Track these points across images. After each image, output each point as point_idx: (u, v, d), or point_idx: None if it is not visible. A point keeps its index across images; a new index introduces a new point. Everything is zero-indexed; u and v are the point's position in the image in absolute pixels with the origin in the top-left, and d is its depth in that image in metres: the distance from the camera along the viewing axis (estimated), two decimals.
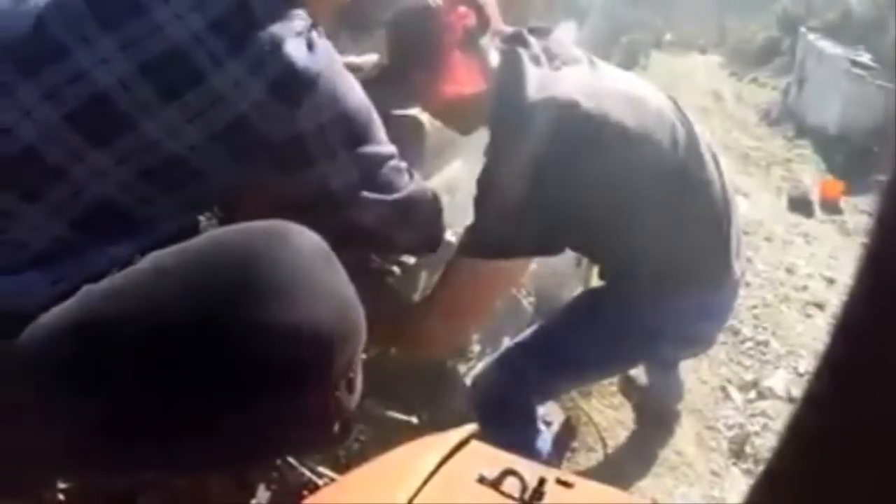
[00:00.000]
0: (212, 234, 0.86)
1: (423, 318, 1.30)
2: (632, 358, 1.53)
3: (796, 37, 4.92)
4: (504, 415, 1.35)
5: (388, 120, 1.06)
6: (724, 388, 2.08)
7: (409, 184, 1.08)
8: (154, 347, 0.75)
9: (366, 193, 1.01)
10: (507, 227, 1.18)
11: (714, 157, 1.35)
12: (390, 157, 1.04)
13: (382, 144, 1.03)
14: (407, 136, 1.34)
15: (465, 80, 1.24)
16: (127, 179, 0.86)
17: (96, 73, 0.84)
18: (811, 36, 4.60)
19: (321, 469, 1.10)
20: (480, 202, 1.21)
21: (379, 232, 1.07)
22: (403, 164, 1.07)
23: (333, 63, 0.95)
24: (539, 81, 1.18)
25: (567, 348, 1.35)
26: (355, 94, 0.98)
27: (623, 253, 1.30)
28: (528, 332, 1.43)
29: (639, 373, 1.87)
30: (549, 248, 1.29)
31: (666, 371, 1.83)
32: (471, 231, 1.22)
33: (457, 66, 1.23)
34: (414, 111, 1.42)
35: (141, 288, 0.79)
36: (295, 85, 0.90)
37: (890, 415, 0.30)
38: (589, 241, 1.32)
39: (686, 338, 1.42)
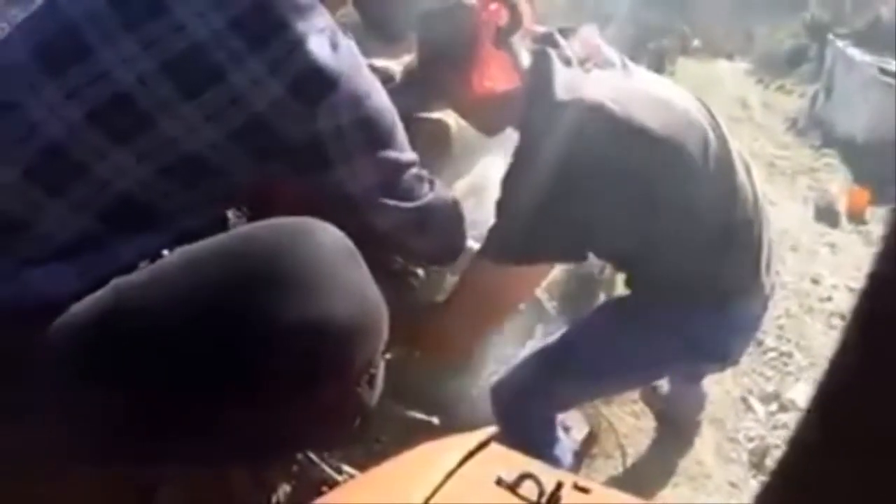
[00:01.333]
0: (239, 229, 0.88)
1: (441, 319, 1.29)
2: (655, 372, 1.51)
3: (824, 44, 4.85)
4: (522, 421, 1.34)
5: (414, 123, 1.06)
6: (745, 400, 2.06)
7: (429, 192, 1.07)
8: (177, 339, 0.77)
9: (384, 199, 1.01)
10: (529, 232, 1.16)
11: (746, 165, 1.32)
12: (411, 164, 1.04)
13: (404, 151, 1.03)
14: (433, 139, 1.34)
15: (495, 77, 1.23)
16: (147, 177, 0.88)
17: (118, 73, 0.86)
18: (839, 43, 4.53)
19: (341, 466, 1.11)
20: (503, 204, 1.20)
21: (395, 238, 1.07)
22: (424, 172, 1.07)
23: (357, 64, 0.95)
24: (568, 82, 1.17)
25: (588, 359, 1.34)
26: (378, 98, 0.98)
27: (649, 262, 1.28)
28: (550, 339, 1.41)
29: (662, 381, 1.85)
30: (571, 254, 1.27)
31: (690, 382, 1.81)
32: (492, 234, 1.21)
33: (487, 63, 1.22)
34: (440, 114, 1.42)
35: (168, 280, 0.81)
36: (315, 84, 0.90)
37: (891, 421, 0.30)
38: (613, 248, 1.30)
39: (712, 353, 1.38)
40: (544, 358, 1.38)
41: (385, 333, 0.86)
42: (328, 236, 0.84)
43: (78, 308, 0.82)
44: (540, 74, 1.19)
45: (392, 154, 1.00)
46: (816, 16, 5.57)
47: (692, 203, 1.21)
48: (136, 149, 0.87)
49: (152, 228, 0.90)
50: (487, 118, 1.32)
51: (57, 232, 0.86)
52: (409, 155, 1.04)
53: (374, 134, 0.98)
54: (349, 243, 0.85)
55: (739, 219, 1.28)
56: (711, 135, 1.25)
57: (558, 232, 1.18)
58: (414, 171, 1.05)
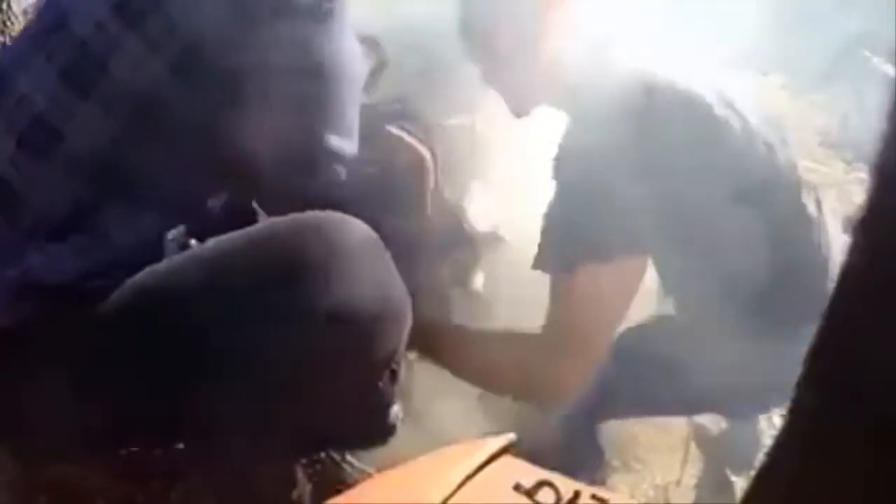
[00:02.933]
0: (268, 221, 0.90)
1: (548, 358, 1.13)
2: (700, 405, 1.38)
3: (858, 59, 4.79)
4: (568, 440, 1.22)
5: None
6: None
7: (342, 194, 0.95)
8: (201, 327, 0.79)
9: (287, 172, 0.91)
10: (589, 219, 1.06)
11: (817, 197, 1.26)
12: (342, 156, 0.94)
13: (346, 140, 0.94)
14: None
15: (560, 44, 1.14)
16: (115, 133, 0.87)
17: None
18: (874, 59, 4.48)
19: (363, 466, 1.12)
20: (555, 203, 1.11)
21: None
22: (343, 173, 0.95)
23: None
24: (632, 65, 1.10)
25: (638, 384, 1.22)
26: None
27: (701, 276, 1.13)
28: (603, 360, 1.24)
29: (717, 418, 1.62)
30: (641, 245, 1.11)
31: (745, 419, 1.56)
32: (547, 237, 1.12)
33: (552, 27, 1.15)
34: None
35: (196, 266, 0.84)
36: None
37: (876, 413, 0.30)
38: (662, 255, 1.16)
39: (774, 386, 1.23)
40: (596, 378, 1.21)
41: (408, 327, 0.87)
42: (353, 229, 0.86)
43: (113, 295, 0.83)
44: (602, 48, 1.12)
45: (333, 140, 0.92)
46: (851, 31, 5.50)
47: (769, 220, 1.11)
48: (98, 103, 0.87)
49: (138, 203, 0.87)
50: (529, 92, 1.22)
51: (48, 205, 0.87)
52: (349, 147, 0.94)
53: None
54: (375, 236, 0.87)
55: (804, 235, 1.21)
56: (774, 140, 1.18)
57: (622, 218, 1.05)
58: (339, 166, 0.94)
